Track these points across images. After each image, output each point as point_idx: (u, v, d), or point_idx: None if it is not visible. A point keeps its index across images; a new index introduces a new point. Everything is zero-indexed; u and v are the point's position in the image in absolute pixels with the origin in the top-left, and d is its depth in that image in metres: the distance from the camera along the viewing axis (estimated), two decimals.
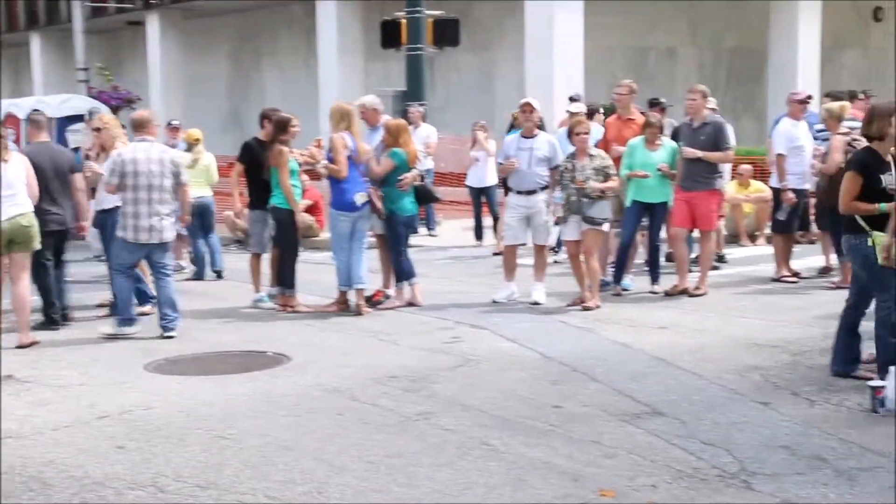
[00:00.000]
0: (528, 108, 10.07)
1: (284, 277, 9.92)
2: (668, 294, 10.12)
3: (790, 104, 11.13)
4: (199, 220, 11.84)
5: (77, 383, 7.26)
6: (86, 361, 7.93)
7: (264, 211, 10.01)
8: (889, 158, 6.51)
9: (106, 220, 9.58)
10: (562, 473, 5.16)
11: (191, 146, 12.49)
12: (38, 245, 8.64)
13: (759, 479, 5.02)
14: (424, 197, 10.38)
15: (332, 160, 9.59)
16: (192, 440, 5.87)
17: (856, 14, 23.73)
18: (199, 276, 12.09)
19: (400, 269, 9.96)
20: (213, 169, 12.54)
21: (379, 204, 9.66)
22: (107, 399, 6.76)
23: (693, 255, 10.93)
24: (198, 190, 11.56)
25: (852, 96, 13.45)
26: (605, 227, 9.73)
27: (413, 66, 16.89)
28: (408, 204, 9.92)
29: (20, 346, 8.33)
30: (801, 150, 10.81)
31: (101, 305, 9.85)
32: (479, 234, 14.60)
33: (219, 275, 12.12)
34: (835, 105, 10.39)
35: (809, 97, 11.36)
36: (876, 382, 6.13)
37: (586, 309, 9.44)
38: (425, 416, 6.21)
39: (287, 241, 9.92)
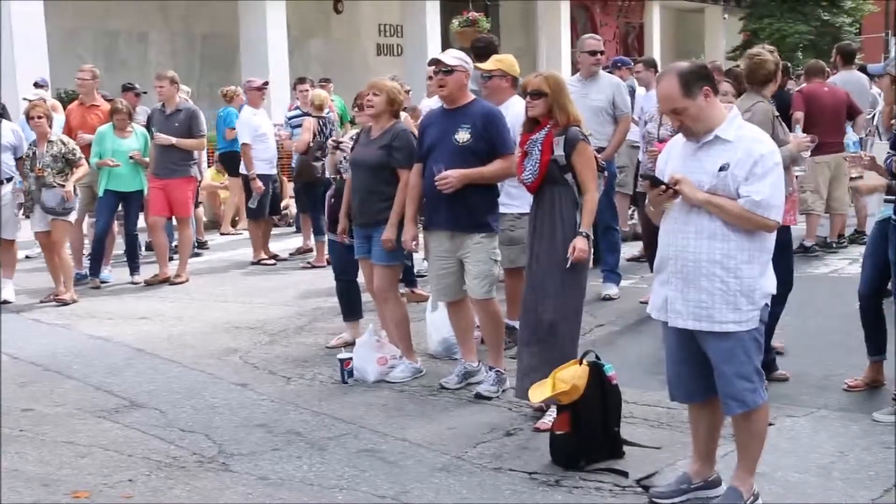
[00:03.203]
0: None
1: None
2: (149, 283, 9.97)
3: (248, 92, 11.42)
4: None
5: None
6: None
7: None
8: None
9: None
10: (31, 480, 4.88)
11: None
12: None
13: (237, 459, 5.12)
14: None
15: None
16: None
17: (318, 5, 24.89)
18: None
19: None
20: None
21: None
22: None
23: (173, 244, 10.87)
24: None
25: (324, 83, 14.26)
26: (72, 217, 9.34)
27: None
28: None
29: None
30: (265, 137, 11.16)
31: None
32: None
33: None
34: (318, 93, 10.90)
35: (266, 84, 11.71)
36: (344, 354, 6.50)
37: (62, 304, 9.03)
38: None
39: None
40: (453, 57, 6.10)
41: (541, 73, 5.74)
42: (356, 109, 7.30)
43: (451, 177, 5.85)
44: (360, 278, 7.13)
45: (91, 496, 4.69)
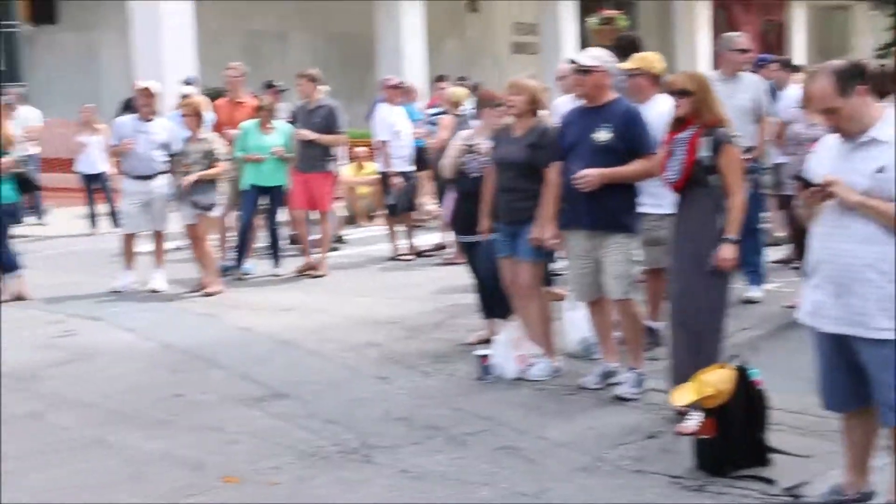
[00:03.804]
0: (146, 93, 9.75)
1: None
2: (301, 272, 10.16)
3: (384, 90, 11.58)
4: None
5: None
6: None
7: None
8: None
9: None
10: (183, 463, 5.06)
11: None
12: None
13: (379, 451, 5.19)
14: (25, 185, 9.73)
15: None
16: None
17: (454, 4, 25.05)
18: None
19: (1, 262, 9.30)
20: None
21: None
22: None
23: (317, 237, 11.08)
24: None
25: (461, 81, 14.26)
26: (217, 211, 9.63)
27: (7, 45, 15.77)
28: (6, 191, 9.26)
29: None
30: (400, 134, 11.29)
31: None
32: (93, 222, 13.97)
33: None
34: (456, 90, 10.85)
35: (402, 82, 11.83)
36: (482, 351, 6.53)
37: (208, 294, 9.31)
38: (35, 416, 5.86)
39: None
40: (591, 57, 6.07)
41: (686, 71, 5.68)
42: (485, 109, 7.30)
43: (589, 175, 5.83)
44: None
45: (240, 482, 4.83)
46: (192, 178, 9.30)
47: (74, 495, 4.70)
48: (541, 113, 6.67)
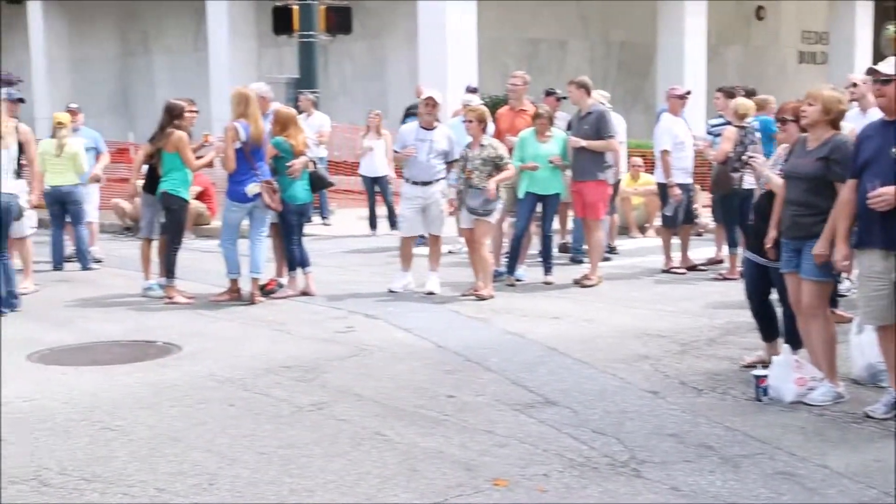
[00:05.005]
0: (430, 102, 10.04)
1: (166, 266, 9.78)
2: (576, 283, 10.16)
3: (669, 100, 11.35)
4: (62, 208, 11.64)
5: None
6: None
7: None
8: None
9: None
10: (455, 463, 5.17)
11: (55, 131, 11.79)
12: None
13: (649, 466, 5.11)
14: (318, 183, 10.28)
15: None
16: (77, 432, 5.71)
17: (739, 12, 24.36)
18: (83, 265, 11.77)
19: (293, 258, 9.87)
20: (81, 157, 11.74)
21: (268, 198, 9.44)
22: None
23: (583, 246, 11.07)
24: (61, 178, 11.43)
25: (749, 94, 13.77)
26: (493, 217, 9.78)
27: (305, 54, 16.74)
28: (299, 192, 9.82)
29: None
30: (682, 145, 11.05)
31: None
32: (373, 223, 14.57)
33: (83, 267, 11.74)
34: (742, 101, 10.34)
35: (688, 93, 11.58)
36: (759, 371, 6.30)
37: (480, 299, 9.49)
38: (318, 407, 6.16)
39: (172, 230, 9.74)
40: (893, 65, 5.71)
41: None
42: (779, 124, 7.02)
43: (886, 194, 5.49)
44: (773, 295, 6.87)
45: (509, 485, 4.88)
46: (491, 184, 9.46)
47: (352, 486, 4.90)
48: (848, 126, 6.33)
